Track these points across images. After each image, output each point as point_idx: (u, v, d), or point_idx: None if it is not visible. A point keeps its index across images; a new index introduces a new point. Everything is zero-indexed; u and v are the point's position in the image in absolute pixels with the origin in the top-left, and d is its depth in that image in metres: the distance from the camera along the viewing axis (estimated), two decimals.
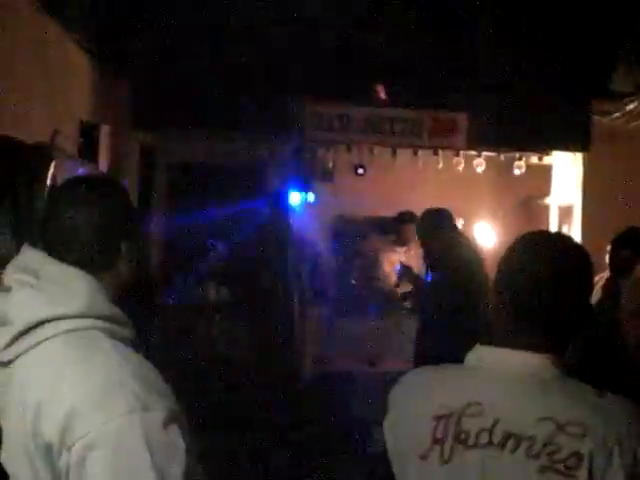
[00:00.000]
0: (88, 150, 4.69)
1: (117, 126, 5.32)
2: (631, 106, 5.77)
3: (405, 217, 6.06)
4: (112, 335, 1.29)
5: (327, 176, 7.99)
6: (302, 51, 5.40)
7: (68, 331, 1.25)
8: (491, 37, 5.47)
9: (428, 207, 4.66)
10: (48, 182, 3.49)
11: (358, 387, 5.81)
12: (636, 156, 6.07)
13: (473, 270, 4.37)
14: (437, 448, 1.33)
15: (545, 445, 1.25)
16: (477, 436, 1.30)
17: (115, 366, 1.23)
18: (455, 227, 4.76)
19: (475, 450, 1.30)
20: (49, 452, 1.18)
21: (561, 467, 1.23)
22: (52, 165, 3.68)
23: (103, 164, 4.86)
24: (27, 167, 3.46)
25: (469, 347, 1.43)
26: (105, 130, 4.87)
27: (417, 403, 1.41)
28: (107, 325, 1.29)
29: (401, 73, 5.83)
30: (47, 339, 1.24)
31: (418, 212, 4.93)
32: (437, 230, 4.49)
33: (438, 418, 1.34)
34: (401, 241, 6.40)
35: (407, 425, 1.41)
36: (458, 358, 1.44)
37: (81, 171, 4.12)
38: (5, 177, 3.31)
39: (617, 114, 5.97)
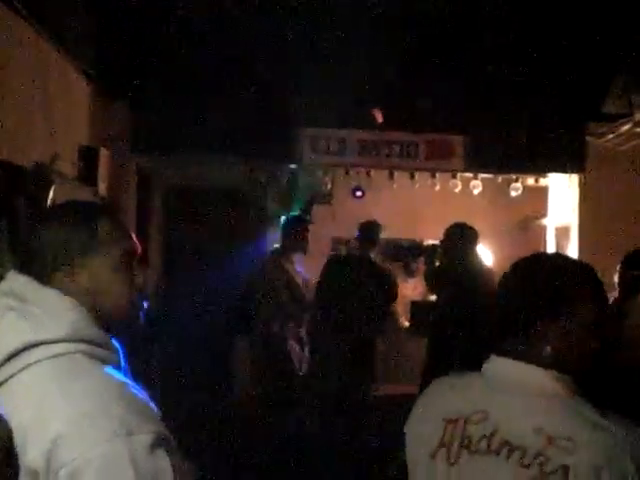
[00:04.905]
0: (87, 173, 4.71)
1: (116, 150, 5.35)
2: (625, 127, 5.82)
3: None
4: (97, 359, 1.28)
5: (325, 199, 8.03)
6: (300, 76, 5.46)
7: (53, 356, 1.24)
8: (487, 60, 5.54)
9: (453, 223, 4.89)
10: (48, 205, 3.51)
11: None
12: (631, 176, 6.11)
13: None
14: (443, 450, 1.41)
15: (536, 456, 1.29)
16: (478, 442, 1.37)
17: (100, 390, 1.22)
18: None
19: (476, 455, 1.37)
20: (35, 478, 1.16)
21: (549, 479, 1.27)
22: (51, 189, 3.71)
23: (102, 187, 4.88)
24: (26, 191, 3.48)
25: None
26: (104, 154, 4.89)
27: (432, 406, 1.50)
28: (92, 349, 1.28)
29: (397, 96, 5.89)
30: (32, 364, 1.23)
31: (417, 235, 4.97)
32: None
33: (448, 421, 1.42)
34: (411, 272, 6.38)
35: (420, 425, 1.51)
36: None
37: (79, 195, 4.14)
38: (4, 201, 3.33)
39: (611, 136, 6.02)
